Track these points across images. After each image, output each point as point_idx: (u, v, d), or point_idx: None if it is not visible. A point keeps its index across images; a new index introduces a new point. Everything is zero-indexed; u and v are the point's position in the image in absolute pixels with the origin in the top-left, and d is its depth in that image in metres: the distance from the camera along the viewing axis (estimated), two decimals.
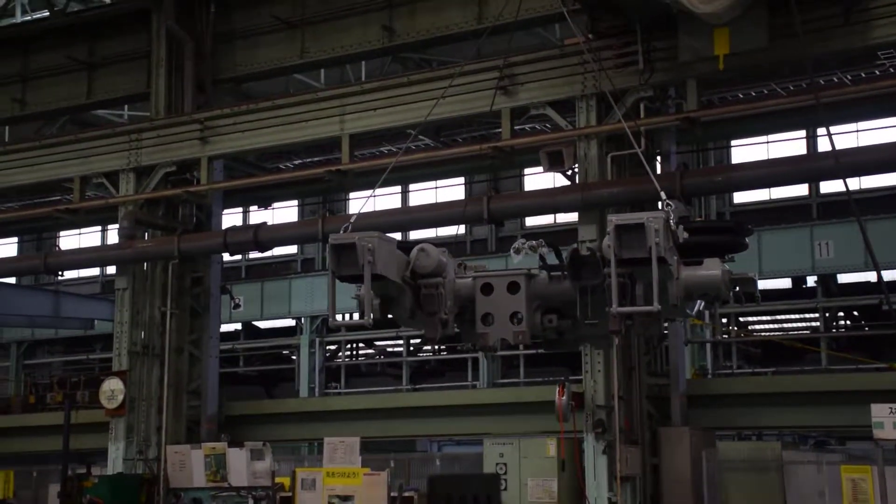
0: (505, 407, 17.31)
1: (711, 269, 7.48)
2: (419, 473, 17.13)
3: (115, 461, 16.26)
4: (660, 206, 7.31)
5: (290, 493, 13.86)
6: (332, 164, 16.85)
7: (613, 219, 6.93)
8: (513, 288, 7.69)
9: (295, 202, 28.40)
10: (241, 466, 13.97)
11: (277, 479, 14.31)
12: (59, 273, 19.45)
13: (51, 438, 19.47)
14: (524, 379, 25.79)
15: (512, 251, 7.88)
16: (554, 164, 13.62)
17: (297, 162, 24.61)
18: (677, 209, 7.19)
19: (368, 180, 18.25)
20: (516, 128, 15.69)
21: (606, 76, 13.12)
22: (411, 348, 28.65)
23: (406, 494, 13.32)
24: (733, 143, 23.45)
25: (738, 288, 7.68)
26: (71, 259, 19.21)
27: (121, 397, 16.35)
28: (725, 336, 24.21)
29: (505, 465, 14.29)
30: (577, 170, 13.98)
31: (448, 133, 23.16)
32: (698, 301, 7.83)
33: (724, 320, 24.42)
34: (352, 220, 8.20)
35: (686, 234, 7.10)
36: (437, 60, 19.18)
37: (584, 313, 7.48)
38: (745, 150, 23.18)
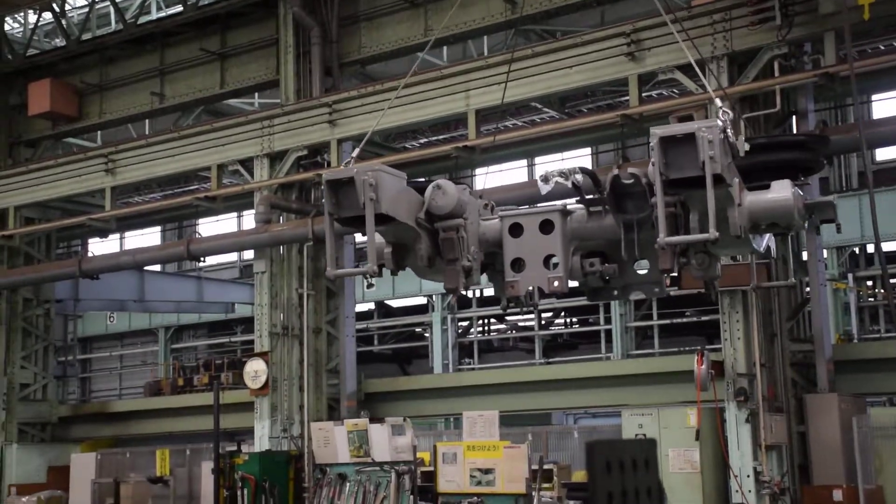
0: (641, 378, 17.07)
1: (781, 192, 6.15)
2: (557, 446, 17.05)
3: (262, 439, 16.79)
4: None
5: (431, 468, 14.02)
6: (458, 140, 16.88)
7: (658, 131, 5.60)
8: (546, 227, 6.41)
9: (422, 180, 28.55)
10: (384, 442, 14.16)
11: (418, 455, 14.49)
12: (201, 259, 20.08)
13: (200, 418, 20.23)
14: (659, 349, 25.43)
15: (539, 181, 6.56)
16: None
17: (422, 141, 24.78)
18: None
19: (496, 155, 18.27)
20: (643, 94, 15.39)
21: (711, 40, 12.63)
22: (542, 322, 28.56)
23: (546, 467, 13.29)
24: (874, 97, 22.42)
25: (813, 216, 6.40)
26: (212, 245, 19.74)
27: (264, 377, 16.86)
28: (871, 299, 23.27)
29: (644, 435, 14.08)
30: None
31: (572, 104, 22.92)
32: (767, 235, 6.48)
33: (870, 283, 23.47)
34: (354, 154, 6.72)
35: (747, 146, 5.96)
36: (560, 31, 18.96)
37: (631, 253, 6.21)
38: (886, 105, 22.15)
